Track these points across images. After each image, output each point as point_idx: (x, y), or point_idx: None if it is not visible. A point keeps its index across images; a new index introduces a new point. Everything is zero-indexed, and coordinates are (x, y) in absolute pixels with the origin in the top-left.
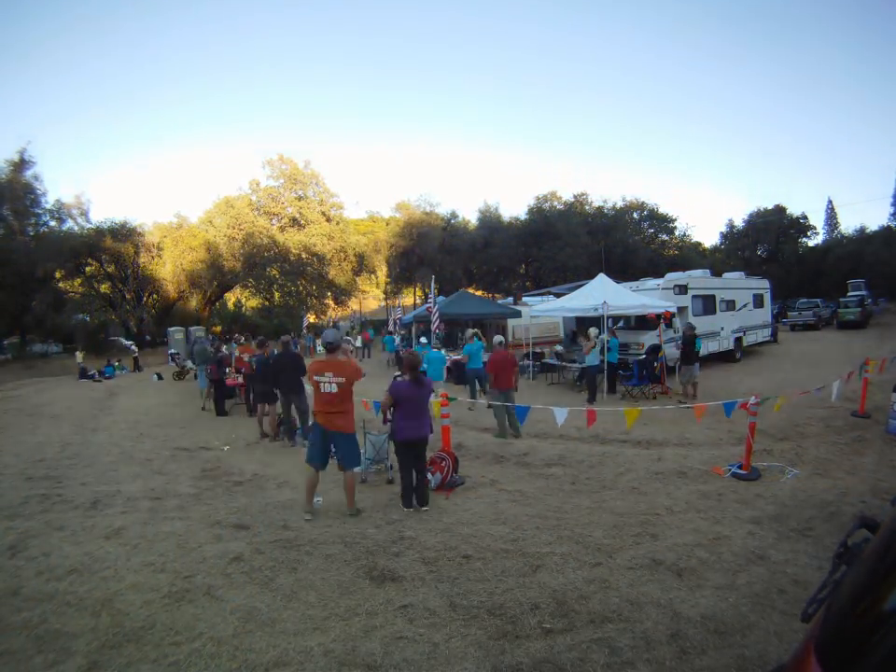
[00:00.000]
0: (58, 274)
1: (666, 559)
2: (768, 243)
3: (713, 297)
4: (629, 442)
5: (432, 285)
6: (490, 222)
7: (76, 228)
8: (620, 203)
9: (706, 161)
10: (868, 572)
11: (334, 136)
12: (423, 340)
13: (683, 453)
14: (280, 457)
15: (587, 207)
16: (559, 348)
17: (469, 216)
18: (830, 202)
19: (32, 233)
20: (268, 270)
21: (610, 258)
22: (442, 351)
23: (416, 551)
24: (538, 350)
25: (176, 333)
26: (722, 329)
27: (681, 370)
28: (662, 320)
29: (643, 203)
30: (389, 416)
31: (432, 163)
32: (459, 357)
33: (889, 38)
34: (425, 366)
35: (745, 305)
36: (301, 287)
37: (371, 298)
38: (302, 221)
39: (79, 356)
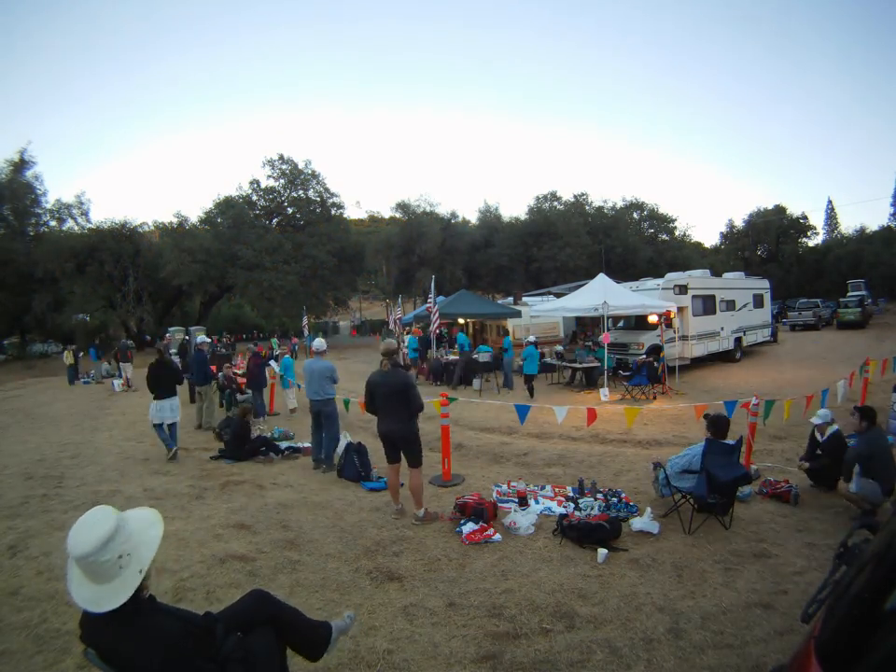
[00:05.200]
0: (58, 274)
1: (666, 559)
2: (768, 243)
3: (713, 297)
4: (629, 442)
5: (432, 284)
6: (490, 222)
7: (76, 228)
8: (620, 203)
9: (705, 161)
10: (868, 572)
11: (335, 137)
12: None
13: None
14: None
15: (587, 207)
16: (559, 348)
17: (469, 216)
18: (830, 202)
19: (32, 233)
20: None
21: (610, 258)
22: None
23: (416, 551)
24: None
25: (177, 333)
26: (722, 328)
27: None
28: (662, 321)
29: (643, 203)
30: None
31: (432, 163)
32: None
33: (889, 39)
34: None
35: (745, 305)
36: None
37: (370, 298)
38: (302, 221)
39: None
